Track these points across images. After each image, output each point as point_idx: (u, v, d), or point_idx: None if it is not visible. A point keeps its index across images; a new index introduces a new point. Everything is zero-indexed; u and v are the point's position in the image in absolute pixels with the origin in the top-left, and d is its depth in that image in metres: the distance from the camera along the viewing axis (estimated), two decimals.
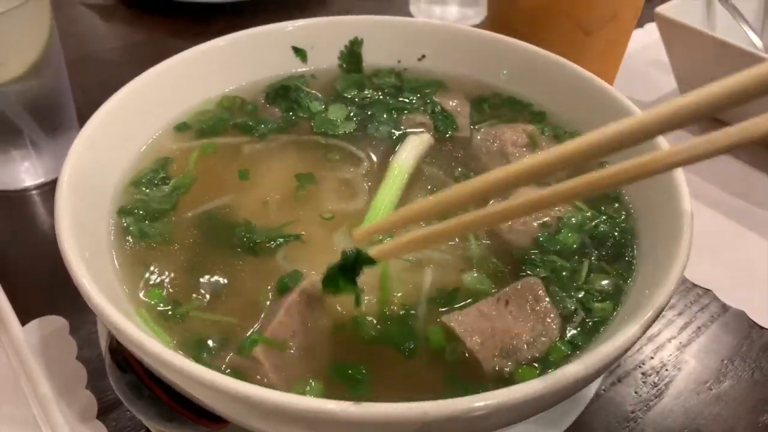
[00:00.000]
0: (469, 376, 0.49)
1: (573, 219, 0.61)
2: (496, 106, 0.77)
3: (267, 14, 1.30)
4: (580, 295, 0.55)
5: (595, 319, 0.54)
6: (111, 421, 0.63)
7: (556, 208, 0.62)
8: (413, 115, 0.74)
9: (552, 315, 0.53)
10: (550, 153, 0.40)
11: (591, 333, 0.53)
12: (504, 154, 0.68)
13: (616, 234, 0.61)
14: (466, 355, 0.51)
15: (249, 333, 0.51)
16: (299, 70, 0.80)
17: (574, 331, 0.53)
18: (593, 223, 0.61)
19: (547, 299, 0.54)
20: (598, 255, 0.59)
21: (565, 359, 0.50)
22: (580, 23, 0.89)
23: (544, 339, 0.52)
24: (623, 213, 0.63)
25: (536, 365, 0.50)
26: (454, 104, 0.75)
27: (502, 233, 0.60)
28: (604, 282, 0.57)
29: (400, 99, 0.76)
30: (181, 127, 0.71)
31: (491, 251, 0.59)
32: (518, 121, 0.74)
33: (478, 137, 0.71)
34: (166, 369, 0.43)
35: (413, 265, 0.57)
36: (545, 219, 0.61)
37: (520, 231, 0.60)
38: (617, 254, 0.59)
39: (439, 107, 0.74)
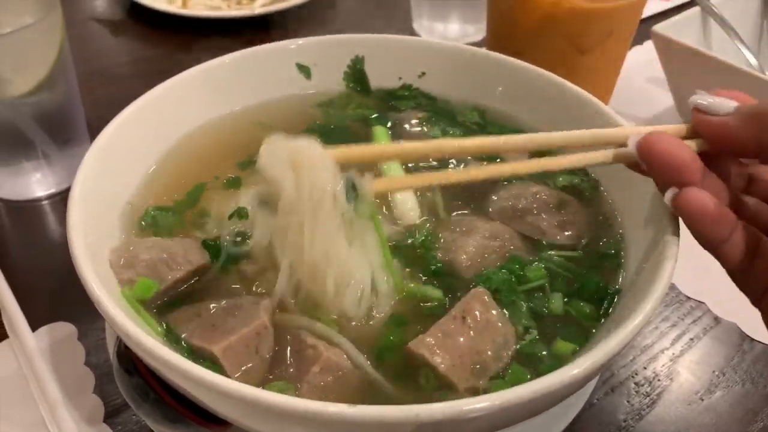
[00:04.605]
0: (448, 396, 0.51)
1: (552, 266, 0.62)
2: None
3: (271, 32, 1.32)
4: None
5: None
6: (117, 425, 0.65)
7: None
8: None
9: (502, 321, 0.55)
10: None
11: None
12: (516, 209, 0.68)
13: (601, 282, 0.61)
14: (441, 378, 0.51)
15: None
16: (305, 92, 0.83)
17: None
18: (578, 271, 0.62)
19: (495, 308, 0.56)
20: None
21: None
22: (575, 42, 0.91)
23: (505, 349, 0.54)
24: (612, 249, 0.64)
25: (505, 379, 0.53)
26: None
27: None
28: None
29: None
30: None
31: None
32: None
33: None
34: (172, 372, 0.45)
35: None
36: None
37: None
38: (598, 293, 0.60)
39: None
